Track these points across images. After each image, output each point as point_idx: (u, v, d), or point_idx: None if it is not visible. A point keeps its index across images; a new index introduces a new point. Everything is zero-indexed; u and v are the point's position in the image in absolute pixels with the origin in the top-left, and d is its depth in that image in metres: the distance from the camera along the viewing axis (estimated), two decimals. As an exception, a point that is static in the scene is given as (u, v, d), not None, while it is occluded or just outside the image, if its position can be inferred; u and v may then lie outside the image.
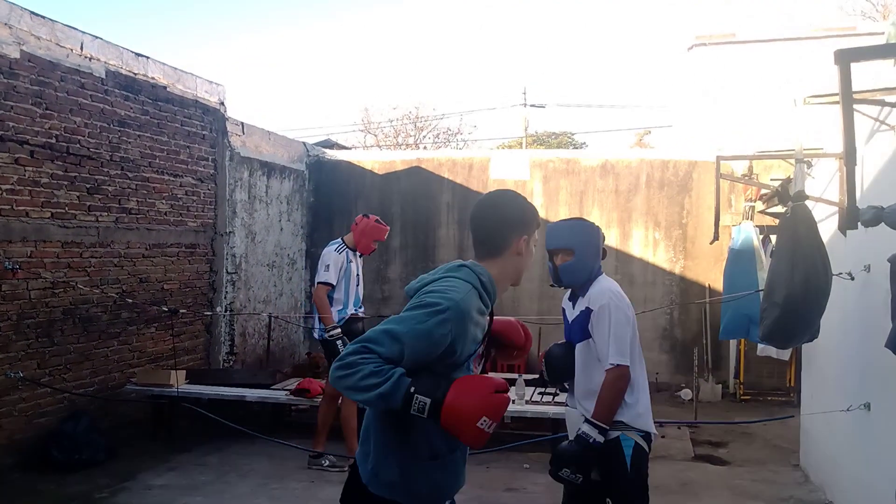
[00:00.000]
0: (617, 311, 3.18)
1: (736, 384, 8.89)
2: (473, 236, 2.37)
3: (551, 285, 3.44)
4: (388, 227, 6.19)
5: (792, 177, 5.50)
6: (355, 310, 5.97)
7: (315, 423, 6.05)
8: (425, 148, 25.60)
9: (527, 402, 6.29)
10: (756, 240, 5.78)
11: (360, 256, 6.08)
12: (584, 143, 31.69)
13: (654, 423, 3.41)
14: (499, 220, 2.31)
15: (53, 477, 5.57)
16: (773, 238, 6.42)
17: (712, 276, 9.32)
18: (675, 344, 9.48)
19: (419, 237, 10.17)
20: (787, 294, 3.79)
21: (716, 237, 5.73)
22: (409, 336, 1.97)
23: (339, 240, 6.00)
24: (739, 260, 5.83)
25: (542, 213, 9.75)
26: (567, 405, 3.48)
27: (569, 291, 3.46)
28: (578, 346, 3.30)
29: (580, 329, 3.28)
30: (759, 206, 7.14)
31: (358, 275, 6.03)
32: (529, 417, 6.22)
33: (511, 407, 6.08)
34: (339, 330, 5.71)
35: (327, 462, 5.94)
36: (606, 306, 3.19)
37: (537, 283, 9.68)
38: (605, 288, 3.26)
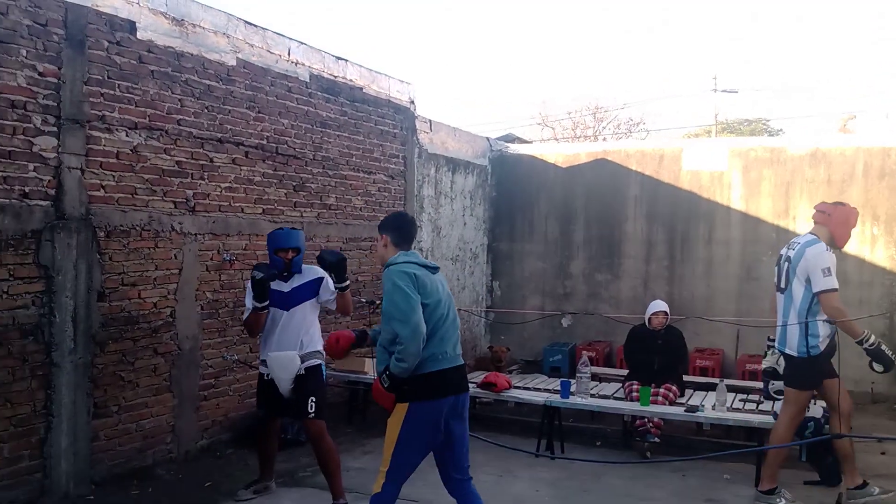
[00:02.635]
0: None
1: (972, 400, 7.78)
2: (410, 236, 3.88)
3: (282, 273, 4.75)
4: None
5: None
6: None
7: (501, 417, 6.00)
8: (605, 139, 24.93)
9: (728, 409, 5.87)
10: None
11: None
12: (780, 129, 29.41)
13: (872, 437, 3.37)
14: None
15: (263, 453, 6.01)
16: None
17: (943, 276, 8.21)
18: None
19: (604, 232, 9.88)
20: None
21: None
22: None
23: (813, 236, 5.04)
24: None
25: (741, 206, 9.11)
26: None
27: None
28: (308, 305, 4.79)
29: (310, 292, 4.80)
30: None
31: None
32: (730, 426, 5.80)
33: (710, 413, 5.72)
34: (873, 339, 4.91)
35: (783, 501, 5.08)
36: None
37: (734, 282, 9.07)
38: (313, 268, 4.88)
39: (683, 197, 9.34)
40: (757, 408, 6.09)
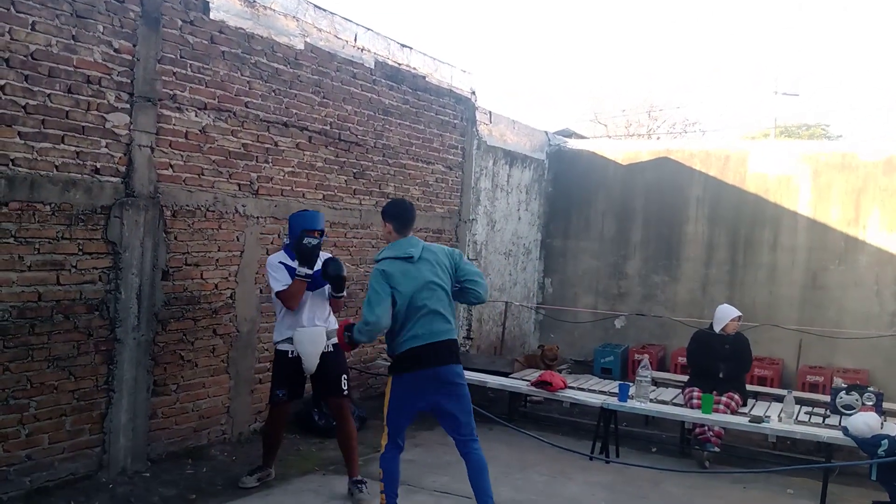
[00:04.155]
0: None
1: None
2: (409, 222, 4.31)
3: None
4: None
5: None
6: None
7: (553, 417, 5.89)
8: (659, 138, 24.44)
9: (795, 422, 5.65)
10: None
11: None
12: (840, 135, 28.48)
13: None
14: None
15: (315, 440, 6.00)
16: None
17: None
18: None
19: (662, 232, 9.65)
20: None
21: None
22: None
23: None
24: None
25: (809, 212, 8.82)
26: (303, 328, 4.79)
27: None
28: (326, 288, 4.83)
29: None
30: None
31: None
32: (797, 439, 5.59)
33: (777, 425, 5.52)
34: None
35: None
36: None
37: (798, 290, 8.77)
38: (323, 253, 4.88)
39: (748, 200, 9.06)
40: (823, 421, 5.85)
